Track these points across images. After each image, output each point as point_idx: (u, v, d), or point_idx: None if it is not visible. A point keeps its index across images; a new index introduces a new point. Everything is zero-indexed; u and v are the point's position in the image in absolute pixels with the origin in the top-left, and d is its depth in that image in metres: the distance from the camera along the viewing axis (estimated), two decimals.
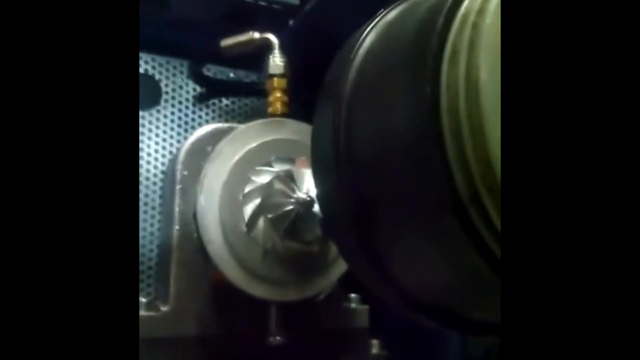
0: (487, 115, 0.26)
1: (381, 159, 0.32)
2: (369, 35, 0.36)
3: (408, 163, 0.30)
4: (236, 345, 0.53)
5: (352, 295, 0.60)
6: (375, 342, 0.59)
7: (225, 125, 0.59)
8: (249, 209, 0.52)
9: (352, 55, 0.36)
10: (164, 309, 0.52)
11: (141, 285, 0.58)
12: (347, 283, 0.56)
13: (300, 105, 0.58)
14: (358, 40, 0.37)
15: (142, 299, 0.51)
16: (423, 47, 0.30)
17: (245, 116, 0.64)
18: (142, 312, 0.50)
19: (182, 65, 0.70)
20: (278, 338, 0.52)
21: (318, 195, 0.42)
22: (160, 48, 0.72)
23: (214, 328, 0.52)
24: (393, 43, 0.34)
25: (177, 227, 0.54)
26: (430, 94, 0.28)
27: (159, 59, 0.72)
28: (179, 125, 0.69)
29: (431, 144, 0.28)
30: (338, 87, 0.35)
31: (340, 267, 0.54)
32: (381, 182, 0.32)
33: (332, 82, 0.37)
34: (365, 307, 0.59)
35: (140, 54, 0.71)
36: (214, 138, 0.55)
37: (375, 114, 0.32)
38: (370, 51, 0.35)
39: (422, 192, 0.29)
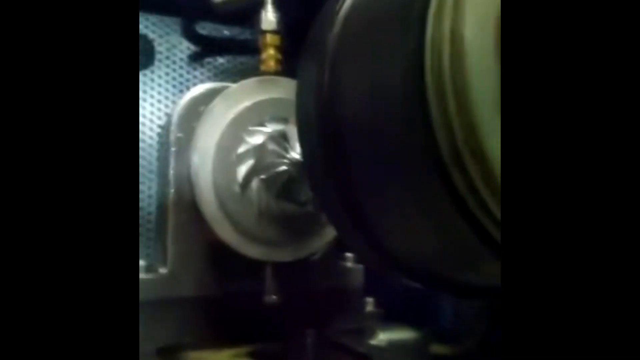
0: (472, 75, 0.25)
1: (364, 117, 0.31)
2: None
3: (391, 123, 0.29)
4: (233, 305, 0.54)
5: (347, 254, 0.60)
6: (370, 300, 0.60)
7: (219, 84, 0.58)
8: (242, 170, 0.52)
9: (336, 10, 0.34)
10: (162, 271, 0.52)
11: (140, 248, 0.59)
12: (342, 243, 0.56)
13: (295, 63, 0.56)
14: None
15: (142, 262, 0.52)
16: (409, 1, 0.28)
17: (240, 75, 0.63)
18: (142, 275, 0.51)
19: (175, 24, 0.68)
20: (274, 297, 0.53)
21: (302, 156, 0.41)
22: (154, 6, 0.70)
23: (212, 289, 0.53)
24: None
25: (172, 189, 0.54)
26: (414, 52, 0.27)
27: (152, 17, 0.70)
28: (174, 86, 0.68)
29: (415, 104, 0.27)
30: (322, 42, 0.34)
31: None
32: (364, 142, 0.31)
33: (316, 38, 0.36)
34: (360, 266, 0.60)
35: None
36: (208, 98, 0.54)
37: (359, 71, 0.31)
38: (355, 6, 0.34)
39: (406, 153, 0.29)
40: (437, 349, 0.56)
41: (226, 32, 0.71)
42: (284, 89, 0.54)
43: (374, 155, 0.31)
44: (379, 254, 0.33)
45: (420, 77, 0.27)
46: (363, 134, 0.31)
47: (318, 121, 0.34)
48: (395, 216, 0.31)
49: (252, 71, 0.62)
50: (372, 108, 0.30)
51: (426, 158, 0.27)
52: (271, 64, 0.58)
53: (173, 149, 0.55)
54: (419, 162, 0.28)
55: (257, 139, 0.52)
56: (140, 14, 0.69)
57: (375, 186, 0.31)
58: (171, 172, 0.54)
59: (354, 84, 0.32)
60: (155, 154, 0.65)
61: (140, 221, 0.59)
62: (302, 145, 0.39)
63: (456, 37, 0.26)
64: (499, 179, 0.24)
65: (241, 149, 0.52)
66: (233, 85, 0.54)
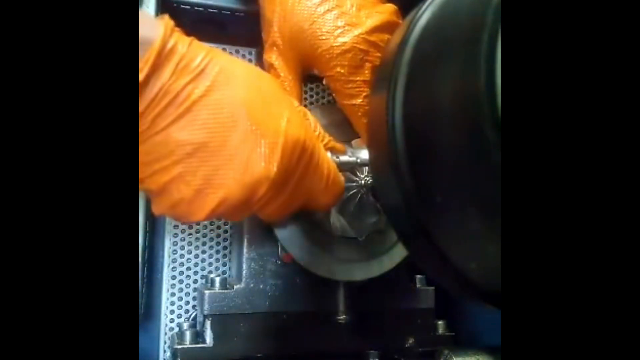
0: None
1: (436, 140, 0.31)
2: (425, 13, 0.36)
3: (465, 145, 0.30)
4: (304, 322, 0.55)
5: (418, 276, 0.60)
6: (441, 322, 0.59)
7: None
8: None
9: (407, 34, 0.35)
10: (237, 286, 0.55)
11: (216, 264, 0.62)
12: (414, 263, 0.57)
13: None
14: (413, 19, 0.36)
15: (217, 277, 0.54)
16: (479, 22, 0.29)
17: (310, 101, 0.65)
18: (217, 290, 0.54)
19: (250, 54, 0.72)
20: (344, 317, 0.53)
21: (375, 184, 0.42)
22: (230, 39, 0.75)
23: (284, 305, 0.55)
24: (449, 20, 0.33)
25: None
26: (485, 72, 0.28)
27: (229, 48, 0.75)
28: None
29: (488, 126, 0.27)
30: (393, 65, 0.35)
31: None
32: (437, 165, 0.32)
33: (387, 60, 0.37)
34: (431, 288, 0.59)
35: (212, 46, 0.74)
36: None
37: (429, 94, 0.32)
38: (426, 29, 0.35)
39: (481, 175, 0.29)
40: None
41: None
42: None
43: (447, 178, 0.31)
44: (456, 279, 0.33)
45: (492, 97, 0.27)
46: (436, 156, 0.32)
47: (389, 143, 0.35)
48: (472, 240, 0.31)
49: (322, 98, 0.64)
50: (444, 127, 0.31)
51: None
52: None
53: None
54: (495, 185, 0.28)
55: None
56: (218, 46, 0.74)
57: (450, 210, 0.32)
58: None
59: (425, 106, 0.32)
60: None
61: (217, 239, 0.62)
62: (373, 168, 0.40)
63: None
64: None
65: None
66: None
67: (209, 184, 0.37)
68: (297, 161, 0.41)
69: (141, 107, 0.35)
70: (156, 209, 0.41)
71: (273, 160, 0.38)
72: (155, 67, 0.34)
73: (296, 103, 0.49)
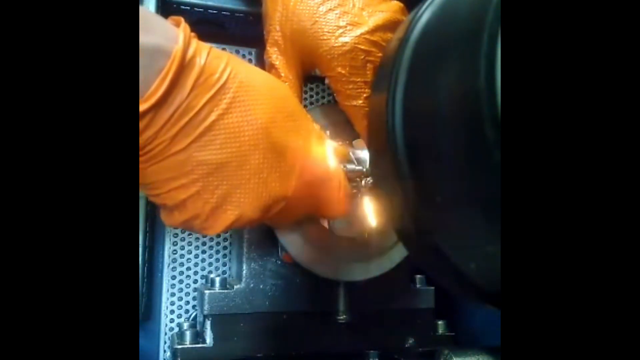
0: None
1: (436, 139, 0.31)
2: (425, 13, 0.36)
3: (465, 145, 0.30)
4: (304, 322, 0.55)
5: (418, 276, 0.60)
6: (441, 322, 0.59)
7: None
8: None
9: (407, 34, 0.35)
10: (237, 286, 0.55)
11: (216, 264, 0.62)
12: (414, 263, 0.57)
13: None
14: (413, 19, 0.36)
15: (217, 277, 0.54)
16: (479, 22, 0.29)
17: (311, 101, 0.65)
18: (217, 290, 0.54)
19: (250, 54, 0.72)
20: (345, 317, 0.53)
21: (374, 181, 0.42)
22: (231, 39, 0.75)
23: (284, 305, 0.55)
24: (449, 19, 0.33)
25: None
26: (485, 71, 0.28)
27: (229, 48, 0.75)
28: None
29: (488, 125, 0.27)
30: (393, 64, 0.35)
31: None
32: (437, 165, 0.32)
33: (387, 59, 0.37)
34: (431, 288, 0.59)
35: (213, 45, 0.74)
36: None
37: (429, 93, 0.32)
38: (426, 29, 0.35)
39: (481, 175, 0.29)
40: None
41: None
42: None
43: (447, 179, 0.31)
44: (457, 280, 0.33)
45: (492, 96, 0.27)
46: (435, 157, 0.32)
47: (389, 145, 0.35)
48: (473, 243, 0.31)
49: (322, 98, 0.64)
50: (443, 127, 0.31)
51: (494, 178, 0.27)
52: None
53: None
54: (495, 184, 0.28)
55: None
56: (218, 46, 0.74)
57: (450, 211, 0.32)
58: None
59: (425, 106, 0.32)
60: None
61: (217, 239, 0.62)
62: (374, 170, 0.39)
63: None
64: None
65: None
66: None
67: (226, 201, 0.37)
68: (313, 178, 0.41)
69: (159, 124, 0.33)
70: (168, 222, 0.40)
71: (290, 179, 0.38)
72: (174, 82, 0.33)
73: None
